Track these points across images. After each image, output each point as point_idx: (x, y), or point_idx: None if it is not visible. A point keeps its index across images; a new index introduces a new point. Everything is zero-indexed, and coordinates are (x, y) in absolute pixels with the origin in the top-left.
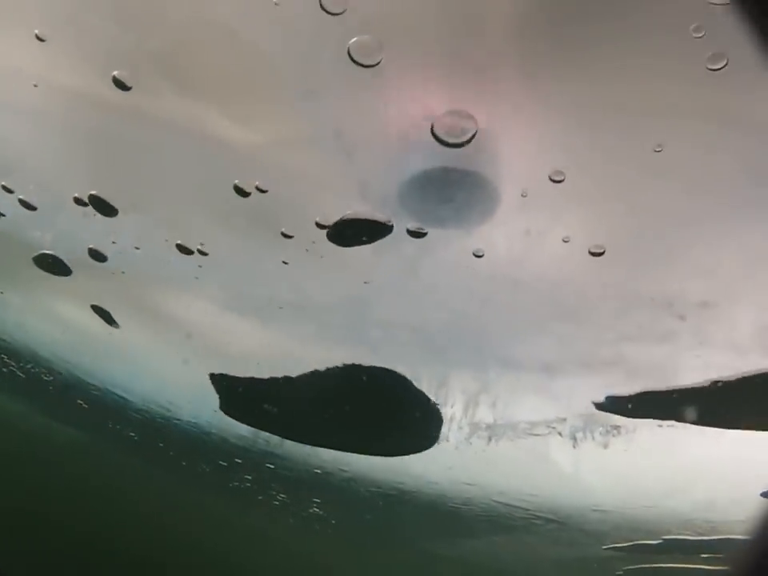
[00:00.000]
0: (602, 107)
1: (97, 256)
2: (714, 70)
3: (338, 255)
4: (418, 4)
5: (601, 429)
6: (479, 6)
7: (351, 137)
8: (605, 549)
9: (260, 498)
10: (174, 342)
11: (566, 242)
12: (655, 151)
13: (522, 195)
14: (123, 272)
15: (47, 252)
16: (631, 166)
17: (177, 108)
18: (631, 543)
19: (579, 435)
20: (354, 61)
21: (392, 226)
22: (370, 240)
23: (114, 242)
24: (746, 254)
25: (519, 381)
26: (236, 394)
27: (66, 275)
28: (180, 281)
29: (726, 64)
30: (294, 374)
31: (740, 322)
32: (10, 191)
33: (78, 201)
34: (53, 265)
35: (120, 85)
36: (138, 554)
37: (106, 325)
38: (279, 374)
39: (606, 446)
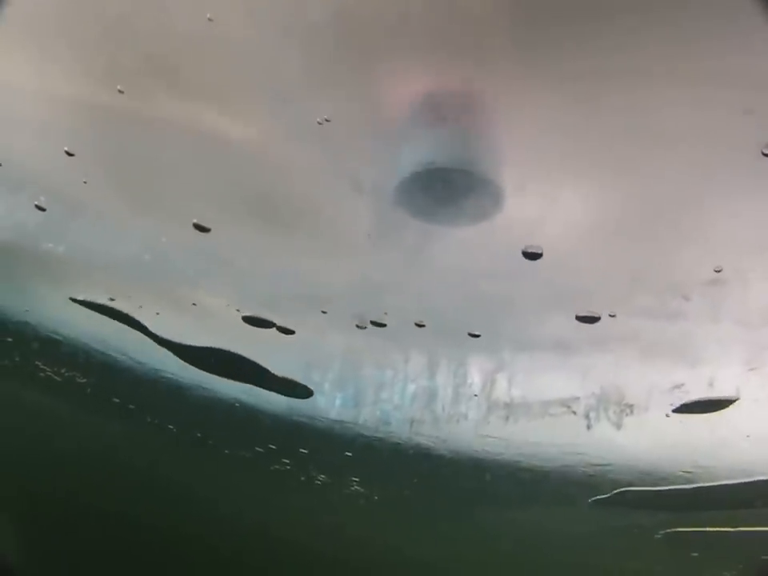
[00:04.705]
0: (602, 80)
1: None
2: None
3: (343, 242)
4: None
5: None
6: None
7: (345, 129)
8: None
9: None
10: (199, 332)
11: (572, 220)
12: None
13: (523, 178)
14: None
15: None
16: (636, 140)
17: (174, 109)
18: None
19: (593, 415)
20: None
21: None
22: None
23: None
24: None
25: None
26: None
27: None
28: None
29: None
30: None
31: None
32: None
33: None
34: None
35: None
36: (194, 541)
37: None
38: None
39: (619, 427)
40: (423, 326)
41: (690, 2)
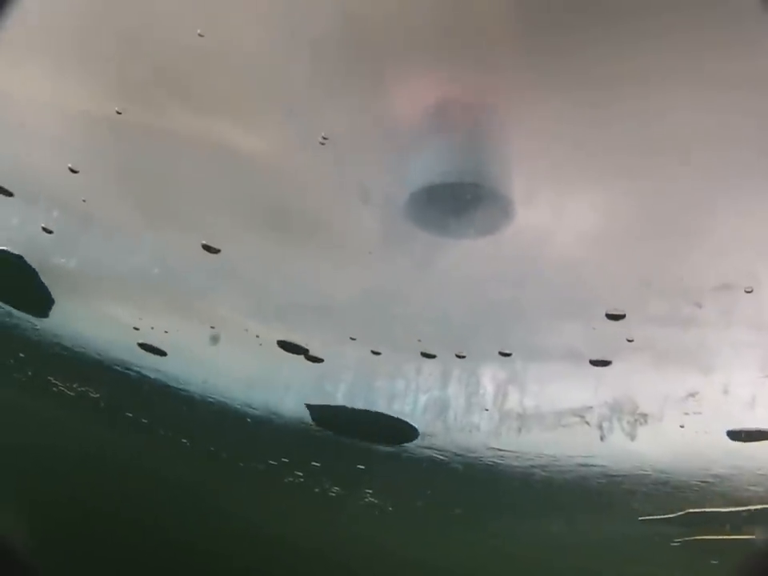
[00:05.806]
0: (609, 87)
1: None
2: None
3: (354, 255)
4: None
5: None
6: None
7: (355, 141)
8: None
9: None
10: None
11: (582, 229)
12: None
13: (533, 189)
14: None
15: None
16: (644, 146)
17: (187, 123)
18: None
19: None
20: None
21: None
22: None
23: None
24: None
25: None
26: None
27: None
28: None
29: None
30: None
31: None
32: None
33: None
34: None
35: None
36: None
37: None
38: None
39: (633, 438)
40: (463, 355)
41: (695, 9)
